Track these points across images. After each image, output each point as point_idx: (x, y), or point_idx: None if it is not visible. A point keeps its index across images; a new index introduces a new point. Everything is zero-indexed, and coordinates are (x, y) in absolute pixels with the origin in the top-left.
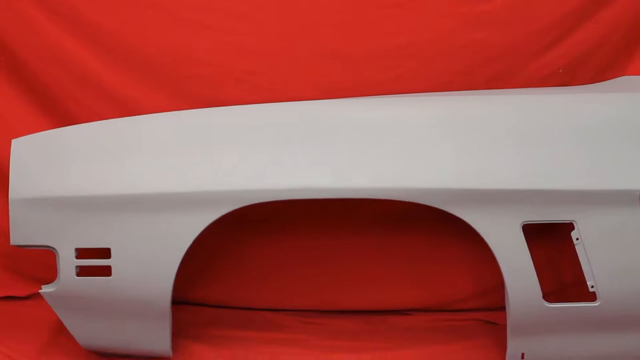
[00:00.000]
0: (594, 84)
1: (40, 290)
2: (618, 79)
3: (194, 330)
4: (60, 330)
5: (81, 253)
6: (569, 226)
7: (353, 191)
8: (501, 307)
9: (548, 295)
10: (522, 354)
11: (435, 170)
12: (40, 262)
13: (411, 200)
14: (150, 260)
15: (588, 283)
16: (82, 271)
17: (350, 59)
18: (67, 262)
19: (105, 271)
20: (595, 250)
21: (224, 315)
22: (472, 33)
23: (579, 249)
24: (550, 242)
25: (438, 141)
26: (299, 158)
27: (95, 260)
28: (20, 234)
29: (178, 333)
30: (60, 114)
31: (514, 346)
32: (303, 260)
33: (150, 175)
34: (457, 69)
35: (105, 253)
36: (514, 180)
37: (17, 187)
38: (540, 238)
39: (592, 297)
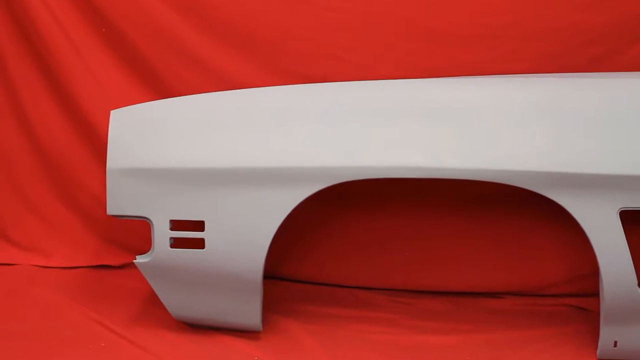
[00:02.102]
0: None
1: (134, 261)
2: None
3: (283, 306)
4: (152, 301)
5: (175, 225)
6: None
7: (446, 171)
8: (594, 294)
9: None
10: (615, 342)
11: (531, 153)
12: (135, 233)
13: (505, 182)
14: (244, 235)
15: None
16: (176, 243)
17: (447, 39)
18: (162, 234)
19: (199, 244)
20: None
21: (314, 292)
22: (574, 14)
23: None
24: None
25: (535, 123)
26: (392, 137)
27: (189, 233)
28: (116, 204)
29: (268, 307)
30: (158, 86)
31: (606, 333)
32: (394, 239)
33: (246, 149)
34: (557, 51)
35: (199, 226)
36: (612, 165)
37: (115, 158)
38: (636, 225)
39: None
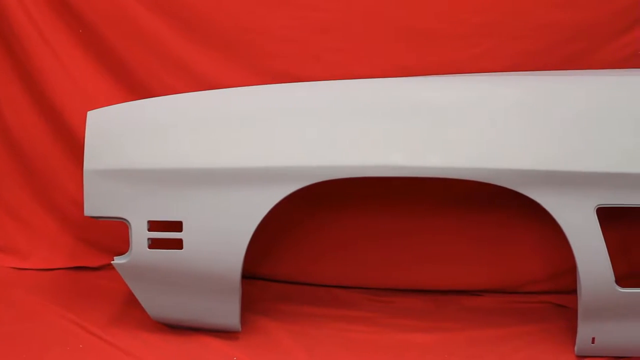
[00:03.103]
0: None
1: (112, 262)
2: None
3: (263, 305)
4: (130, 302)
5: (153, 225)
6: None
7: (426, 170)
8: (572, 291)
9: (620, 280)
10: (593, 339)
11: (509, 151)
12: (112, 234)
13: (484, 180)
14: (222, 234)
15: None
16: (154, 243)
17: (428, 37)
18: (139, 234)
19: (177, 244)
20: None
21: (293, 291)
22: (551, 12)
23: None
24: (623, 226)
25: (513, 122)
26: (373, 136)
27: (167, 233)
28: (94, 205)
29: (247, 308)
30: (136, 87)
31: (584, 330)
32: (374, 238)
33: (224, 149)
34: (535, 48)
35: (177, 226)
36: (589, 163)
37: (92, 159)
38: (613, 222)
39: None
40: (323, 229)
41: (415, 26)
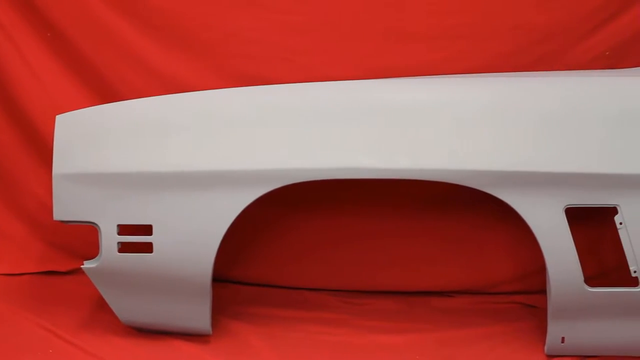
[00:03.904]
0: None
1: (82, 266)
2: None
3: (234, 308)
4: (101, 306)
5: (123, 229)
6: (612, 210)
7: (396, 172)
8: (542, 291)
9: (589, 280)
10: (563, 338)
11: (478, 152)
12: (82, 238)
13: (453, 182)
14: (192, 238)
15: (630, 268)
16: (124, 247)
17: (400, 39)
18: (109, 238)
19: (147, 248)
20: (639, 235)
21: (264, 294)
22: (521, 14)
23: (622, 234)
24: (592, 226)
25: (483, 123)
26: (342, 138)
27: (136, 237)
28: (63, 210)
29: (218, 311)
30: (105, 91)
31: (554, 330)
32: (345, 241)
33: (193, 153)
34: (505, 50)
35: (147, 230)
36: (557, 164)
37: (61, 163)
38: (582, 222)
39: (634, 282)
40: (294, 232)
41: (388, 28)
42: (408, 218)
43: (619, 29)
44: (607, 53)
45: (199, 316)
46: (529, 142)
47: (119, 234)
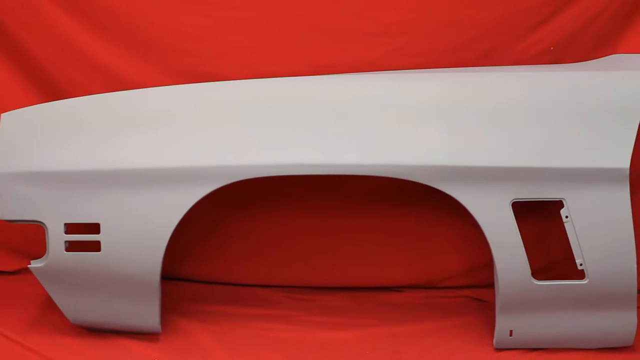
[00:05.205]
0: (585, 62)
1: (29, 265)
2: (609, 57)
3: (183, 306)
4: (49, 306)
5: (70, 228)
6: (559, 204)
7: (342, 167)
8: (490, 285)
9: (537, 273)
10: (511, 331)
11: (424, 148)
12: (29, 237)
13: (400, 177)
14: (140, 236)
15: (577, 261)
16: (71, 246)
17: (342, 36)
18: (56, 237)
19: (95, 246)
20: (585, 228)
21: (214, 291)
22: (463, 10)
23: (568, 227)
24: (539, 219)
25: (428, 118)
26: (288, 134)
27: (84, 236)
28: (9, 209)
29: (167, 308)
30: (50, 88)
31: (502, 323)
32: (293, 237)
33: (139, 150)
34: (448, 46)
35: (94, 228)
36: (503, 158)
37: (6, 161)
38: (529, 216)
39: (580, 274)
40: (243, 229)
41: (330, 25)
42: (356, 214)
43: (563, 24)
44: (552, 48)
45: (148, 314)
46: (474, 137)
47: (66, 232)
